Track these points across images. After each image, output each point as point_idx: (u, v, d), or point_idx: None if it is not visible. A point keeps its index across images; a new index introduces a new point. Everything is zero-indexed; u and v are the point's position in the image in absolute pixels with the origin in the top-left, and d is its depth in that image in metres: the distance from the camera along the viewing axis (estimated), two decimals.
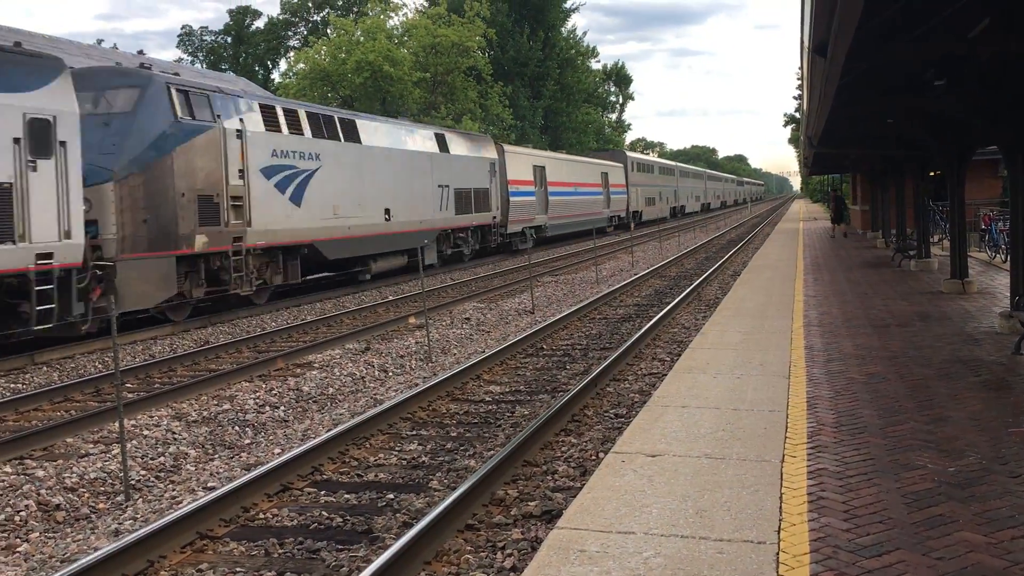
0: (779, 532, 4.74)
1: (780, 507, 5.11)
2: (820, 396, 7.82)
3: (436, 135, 28.78)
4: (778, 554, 4.45)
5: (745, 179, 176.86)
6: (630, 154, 59.74)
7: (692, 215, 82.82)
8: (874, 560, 4.35)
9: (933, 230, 23.63)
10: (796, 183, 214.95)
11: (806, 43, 9.68)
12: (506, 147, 35.73)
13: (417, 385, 10.86)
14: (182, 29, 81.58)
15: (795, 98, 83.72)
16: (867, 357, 9.60)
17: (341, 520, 6.36)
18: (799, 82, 67.84)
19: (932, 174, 21.96)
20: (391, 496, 6.83)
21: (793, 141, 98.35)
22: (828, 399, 7.70)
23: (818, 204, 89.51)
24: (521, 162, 36.68)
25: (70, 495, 7.32)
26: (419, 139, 27.43)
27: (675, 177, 77.42)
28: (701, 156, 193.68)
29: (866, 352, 9.90)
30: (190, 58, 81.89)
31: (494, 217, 32.45)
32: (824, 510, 5.04)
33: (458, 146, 30.17)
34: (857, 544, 4.55)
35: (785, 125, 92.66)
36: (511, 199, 34.24)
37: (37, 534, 6.60)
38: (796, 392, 8.00)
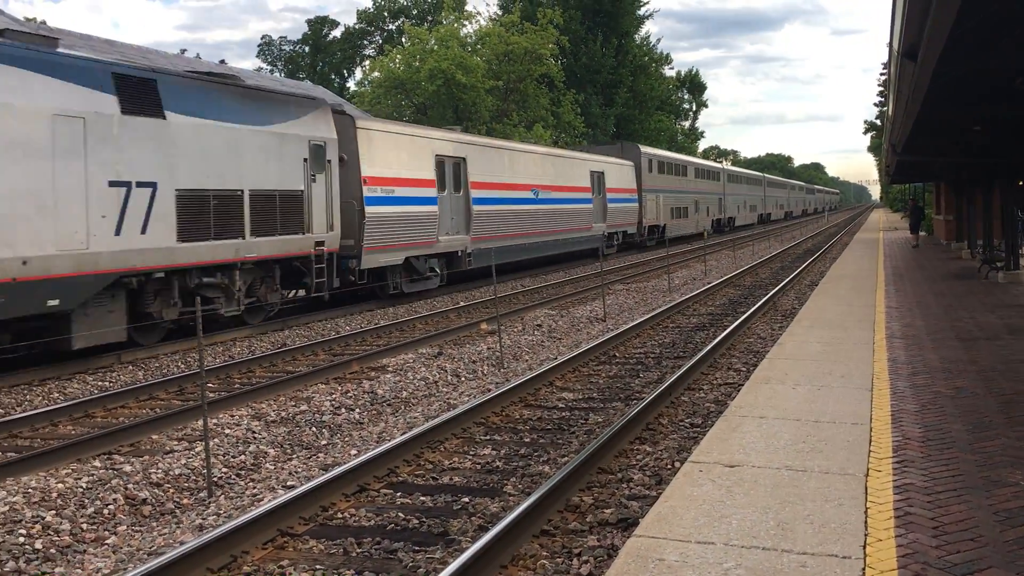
0: (864, 547, 4.62)
1: (865, 522, 4.98)
2: (905, 409, 7.61)
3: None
4: (864, 569, 4.34)
5: (817, 186, 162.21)
6: (646, 149, 45.38)
7: (744, 229, 66.99)
8: None
9: (1022, 241, 22.80)
10: (875, 192, 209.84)
11: (895, 47, 9.44)
12: (361, 120, 21.33)
13: (490, 390, 10.89)
14: (262, 39, 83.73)
15: (876, 105, 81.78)
16: (954, 371, 9.31)
17: (417, 522, 6.42)
18: (881, 88, 66.27)
19: (1022, 183, 21.20)
20: (466, 499, 6.86)
21: (873, 149, 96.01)
22: (914, 413, 7.49)
23: (898, 214, 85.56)
24: (398, 147, 21.96)
25: (156, 490, 7.53)
26: None
27: (720, 182, 62.89)
28: (776, 164, 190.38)
29: (952, 365, 9.60)
30: (269, 67, 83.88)
31: (320, 243, 18.23)
32: (912, 526, 4.90)
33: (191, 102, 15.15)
34: (947, 562, 4.41)
35: (865, 132, 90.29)
36: (370, 210, 20.14)
37: (125, 527, 6.82)
38: (880, 405, 7.80)
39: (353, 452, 8.46)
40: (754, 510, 5.24)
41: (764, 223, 79.73)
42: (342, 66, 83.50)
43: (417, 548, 5.92)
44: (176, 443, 9.08)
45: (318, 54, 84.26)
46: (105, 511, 7.03)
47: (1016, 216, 20.36)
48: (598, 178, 36.00)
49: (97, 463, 8.30)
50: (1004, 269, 19.16)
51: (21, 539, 6.39)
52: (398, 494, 7.10)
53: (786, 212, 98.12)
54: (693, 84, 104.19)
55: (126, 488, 7.46)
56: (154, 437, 9.32)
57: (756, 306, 17.72)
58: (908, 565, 4.38)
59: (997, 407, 7.63)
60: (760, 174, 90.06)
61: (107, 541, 6.53)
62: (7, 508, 6.90)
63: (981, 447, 6.41)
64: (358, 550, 5.94)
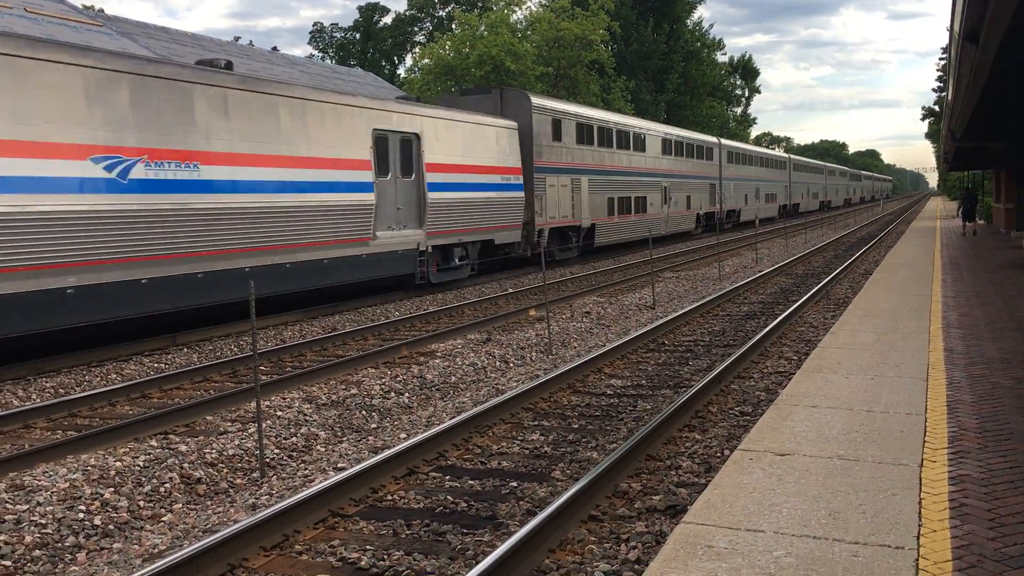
0: (918, 538, 4.55)
1: (919, 512, 4.90)
2: (961, 400, 7.46)
3: None
4: (917, 560, 4.28)
5: (864, 172, 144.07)
6: (542, 101, 28.22)
7: (756, 225, 40.53)
8: (1022, 571, 4.12)
9: None
10: (932, 180, 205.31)
11: (956, 30, 9.22)
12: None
13: (538, 376, 10.91)
14: (313, 26, 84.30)
15: (935, 90, 79.93)
16: (1012, 362, 9.09)
17: (466, 505, 6.46)
18: (940, 73, 64.72)
19: None
20: (514, 484, 6.90)
21: (931, 135, 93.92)
22: (970, 403, 7.34)
23: (956, 201, 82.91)
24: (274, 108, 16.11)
25: (210, 470, 7.69)
26: None
27: (714, 162, 47.43)
28: (830, 151, 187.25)
29: (1011, 356, 9.38)
30: (320, 54, 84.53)
31: None
32: (967, 517, 4.81)
33: None
34: (1004, 554, 4.33)
35: (923, 119, 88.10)
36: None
37: (180, 505, 6.97)
38: (935, 395, 7.66)
39: (402, 436, 8.55)
40: (805, 499, 5.19)
41: (790, 216, 63.30)
42: (392, 53, 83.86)
43: (466, 531, 5.96)
44: (230, 424, 9.25)
45: (369, 41, 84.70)
46: (161, 489, 7.20)
47: None
48: (396, 146, 20.12)
49: (154, 442, 8.50)
50: None
51: (81, 515, 6.58)
52: (447, 477, 7.15)
53: (823, 202, 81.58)
54: (746, 70, 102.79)
55: (181, 467, 7.62)
56: (208, 418, 9.51)
57: (808, 295, 17.47)
58: (963, 556, 4.31)
59: None
60: (783, 155, 69.09)
61: (163, 518, 6.69)
62: (67, 485, 7.10)
63: None
64: (407, 532, 6.00)
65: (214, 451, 8.09)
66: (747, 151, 57.21)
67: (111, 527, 6.46)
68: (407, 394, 10.54)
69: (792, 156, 71.73)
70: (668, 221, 39.37)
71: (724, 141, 51.70)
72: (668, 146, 40.28)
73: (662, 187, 38.59)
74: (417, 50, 62.65)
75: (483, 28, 49.61)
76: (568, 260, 29.87)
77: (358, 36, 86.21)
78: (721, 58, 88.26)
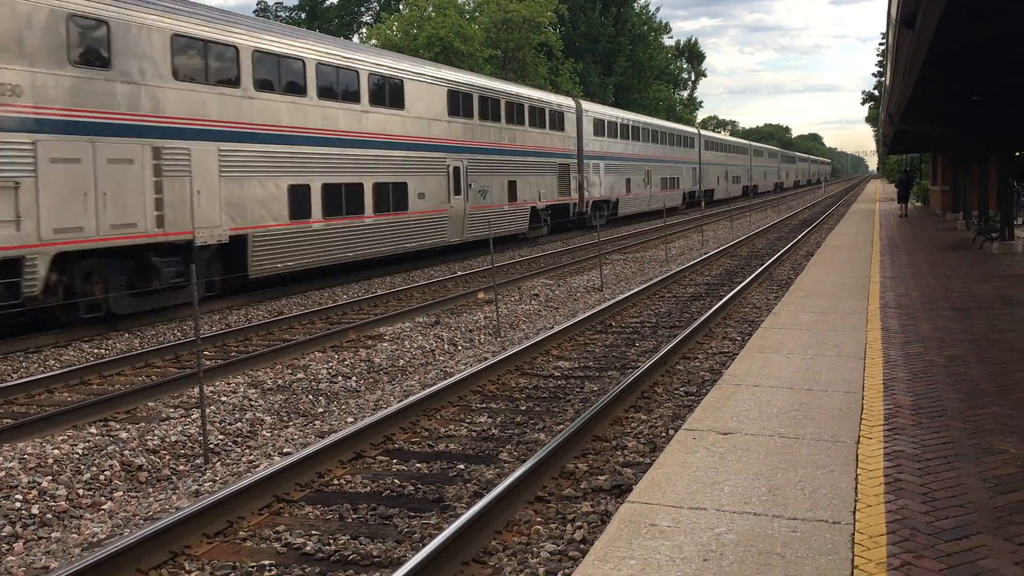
0: (855, 513, 4.67)
1: (856, 488, 5.03)
2: (897, 378, 7.65)
3: None
4: (853, 534, 4.39)
5: (799, 153, 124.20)
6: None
7: (647, 220, 41.23)
8: (954, 544, 4.25)
9: (1017, 212, 22.81)
10: (872, 163, 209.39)
11: (893, 15, 9.39)
12: None
13: (486, 359, 10.93)
14: (257, 4, 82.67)
15: (874, 75, 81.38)
16: (947, 340, 9.35)
17: (413, 488, 6.46)
18: (880, 58, 65.89)
19: (1018, 154, 21.16)
20: (461, 466, 6.91)
21: (871, 119, 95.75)
22: (906, 381, 7.53)
23: (894, 184, 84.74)
24: None
25: (152, 456, 7.57)
26: None
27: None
28: (775, 135, 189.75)
29: (945, 335, 9.64)
30: None
31: None
32: (902, 492, 4.95)
33: None
34: (936, 527, 4.46)
35: (863, 103, 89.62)
36: None
37: (121, 493, 6.86)
38: (872, 374, 7.84)
39: (349, 420, 8.50)
40: (746, 477, 5.29)
41: (703, 206, 52.41)
42: (339, 33, 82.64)
43: (412, 514, 5.97)
44: (172, 410, 9.12)
45: (315, 21, 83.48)
46: (101, 477, 7.07)
47: (1011, 187, 20.34)
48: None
49: (93, 430, 8.34)
50: (998, 240, 19.17)
51: (17, 504, 6.44)
52: (394, 461, 7.14)
53: (747, 187, 71.09)
54: (692, 53, 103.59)
55: (122, 455, 7.50)
56: (150, 404, 9.36)
57: (752, 276, 17.74)
58: (897, 531, 4.43)
59: (988, 376, 7.67)
60: (692, 130, 56.82)
61: (103, 507, 6.57)
62: (3, 474, 6.94)
63: (972, 415, 6.45)
64: (353, 516, 5.98)
65: (156, 438, 7.96)
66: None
67: (49, 516, 6.34)
68: (355, 378, 10.49)
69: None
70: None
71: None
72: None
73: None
74: (364, 31, 61.99)
75: (431, 9, 49.24)
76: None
77: (303, 16, 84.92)
78: (668, 42, 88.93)
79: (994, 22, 8.72)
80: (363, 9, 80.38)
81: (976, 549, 4.19)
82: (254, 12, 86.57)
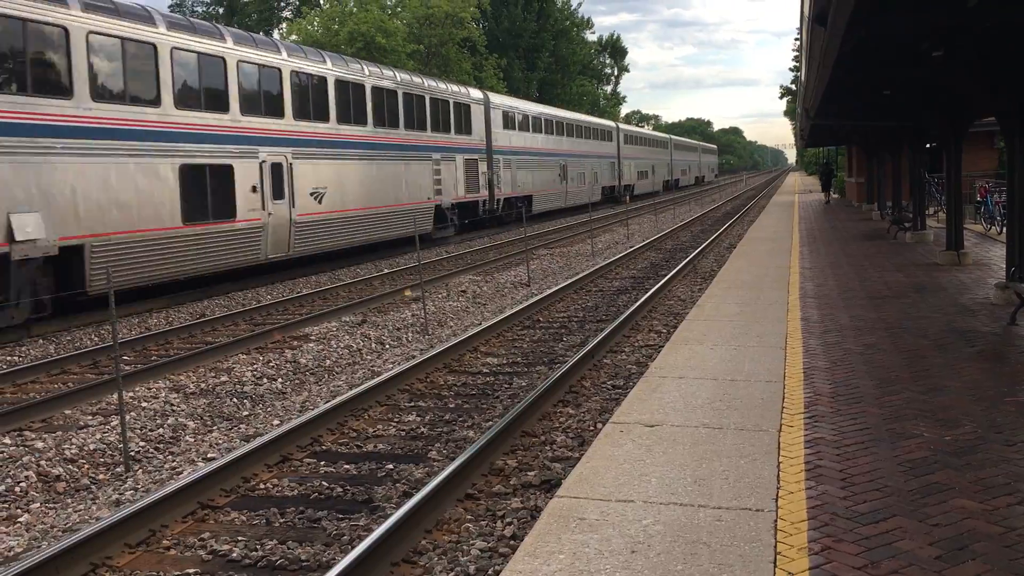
0: (777, 500, 4.78)
1: (778, 476, 5.15)
2: (817, 367, 7.86)
3: None
4: (776, 521, 4.50)
5: (685, 140, 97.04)
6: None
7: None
8: (871, 527, 4.39)
9: (929, 202, 23.63)
10: (791, 156, 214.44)
11: (806, 12, 9.62)
12: None
13: (414, 357, 10.88)
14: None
15: (792, 70, 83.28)
16: (863, 328, 9.63)
17: (341, 490, 6.40)
18: (796, 54, 67.50)
19: (928, 146, 21.92)
20: (390, 466, 6.87)
21: (789, 113, 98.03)
22: (825, 370, 7.74)
23: (813, 176, 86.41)
24: None
25: (70, 466, 7.34)
26: None
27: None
28: (696, 129, 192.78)
29: (862, 323, 9.93)
30: None
31: None
32: (822, 478, 5.08)
33: None
34: (855, 511, 4.59)
35: (781, 97, 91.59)
36: None
37: (38, 504, 6.63)
38: (793, 363, 8.04)
39: (275, 422, 8.37)
40: (672, 468, 5.37)
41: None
42: (258, 28, 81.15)
43: (341, 516, 5.91)
44: (90, 418, 8.85)
45: (233, 15, 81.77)
46: (16, 489, 6.83)
47: (923, 178, 21.05)
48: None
49: (7, 440, 8.05)
50: (912, 230, 19.84)
51: None
52: (321, 463, 7.06)
53: (610, 187, 53.52)
54: (614, 49, 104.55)
55: (38, 465, 7.25)
56: (67, 412, 9.07)
57: (676, 269, 18.01)
58: (817, 516, 4.55)
59: (903, 362, 7.94)
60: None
61: (20, 519, 6.34)
62: None
63: (887, 401, 6.67)
64: (281, 520, 5.89)
65: (74, 447, 7.73)
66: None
67: None
68: (280, 379, 10.33)
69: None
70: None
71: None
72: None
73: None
74: (284, 26, 60.97)
75: (352, 4, 48.70)
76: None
77: (221, 11, 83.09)
78: (590, 37, 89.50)
79: (900, 18, 9.01)
80: (283, 3, 79.02)
81: (892, 531, 4.33)
82: (168, 7, 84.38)
